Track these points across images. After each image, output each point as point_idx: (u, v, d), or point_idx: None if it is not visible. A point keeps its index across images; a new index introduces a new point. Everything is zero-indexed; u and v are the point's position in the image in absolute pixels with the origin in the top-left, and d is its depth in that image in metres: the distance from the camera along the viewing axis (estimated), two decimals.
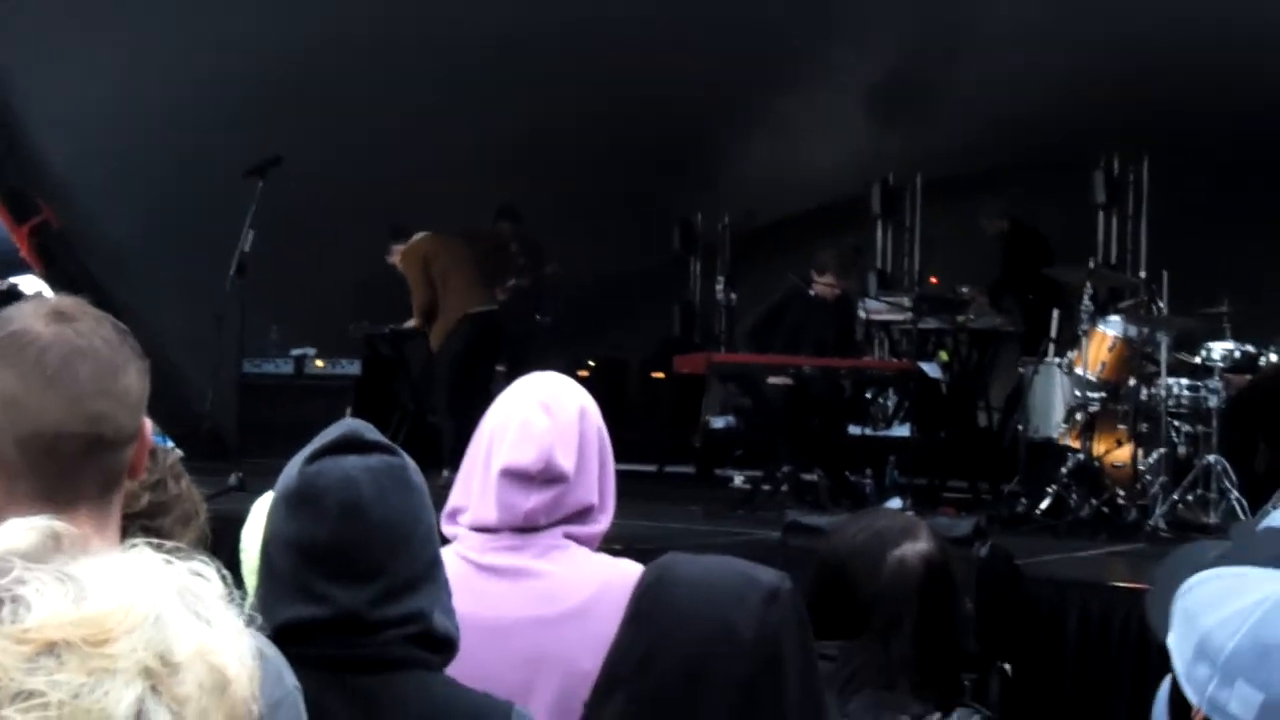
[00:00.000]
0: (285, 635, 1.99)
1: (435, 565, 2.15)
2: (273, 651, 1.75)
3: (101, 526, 1.75)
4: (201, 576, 1.10)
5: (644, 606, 2.11)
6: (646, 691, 2.05)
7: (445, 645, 2.14)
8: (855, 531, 2.70)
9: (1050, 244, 10.37)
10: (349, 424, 2.16)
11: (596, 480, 2.75)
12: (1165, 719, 1.78)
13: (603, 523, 2.77)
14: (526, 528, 2.70)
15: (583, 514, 2.74)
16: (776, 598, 2.08)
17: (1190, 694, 1.59)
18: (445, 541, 2.76)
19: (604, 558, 2.77)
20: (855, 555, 2.64)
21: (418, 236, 10.15)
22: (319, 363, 11.40)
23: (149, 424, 1.81)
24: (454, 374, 9.91)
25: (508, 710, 2.17)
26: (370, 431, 2.16)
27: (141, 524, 2.00)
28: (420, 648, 2.10)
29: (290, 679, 1.76)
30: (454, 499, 2.79)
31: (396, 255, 10.21)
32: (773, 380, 9.09)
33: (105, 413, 1.73)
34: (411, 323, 10.29)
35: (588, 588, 2.68)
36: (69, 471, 1.72)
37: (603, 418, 2.82)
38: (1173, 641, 1.63)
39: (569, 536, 2.72)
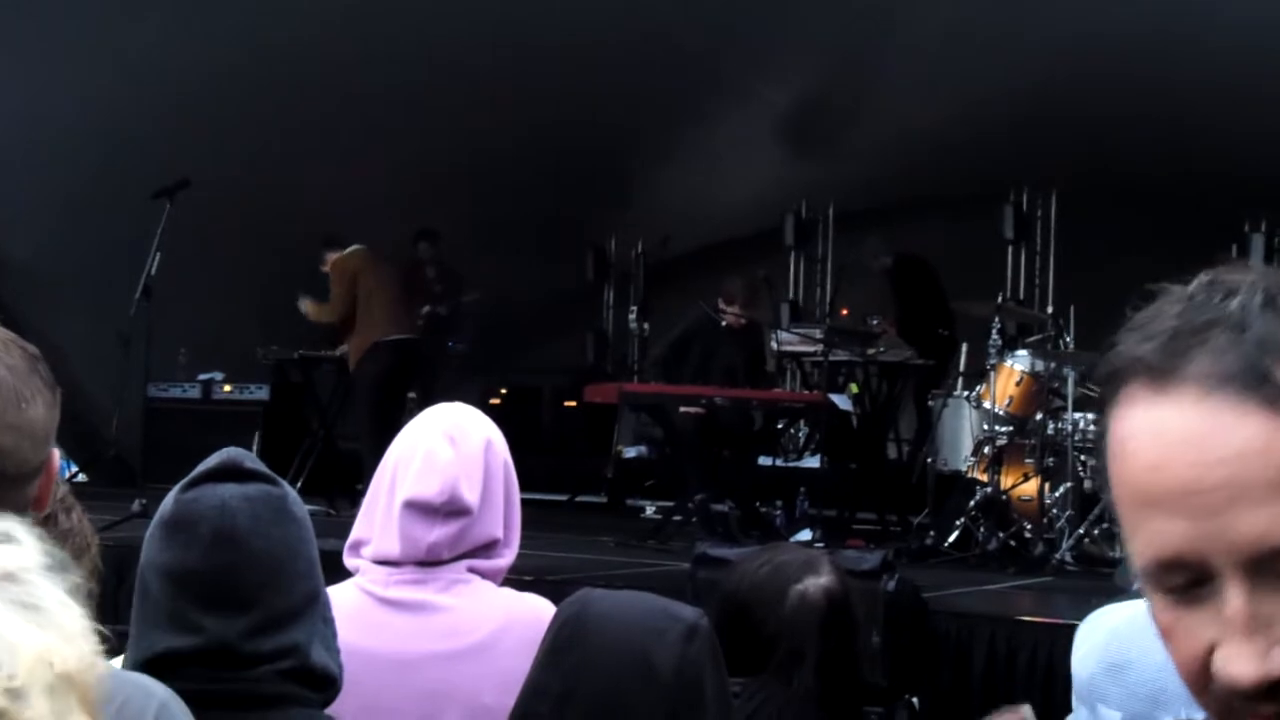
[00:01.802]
0: (156, 666, 1.94)
1: (315, 599, 2.10)
2: (178, 706, 1.70)
3: None
4: (12, 540, 1.03)
5: (561, 642, 2.09)
6: None
7: (326, 683, 2.08)
8: (757, 567, 2.68)
9: (939, 274, 10.44)
10: (228, 452, 2.12)
11: (502, 513, 2.70)
12: None
13: (507, 557, 2.73)
14: (429, 561, 2.66)
15: (487, 548, 2.69)
16: (696, 633, 2.08)
17: None
18: (347, 573, 2.72)
19: (508, 592, 2.73)
20: (757, 590, 2.63)
21: (351, 249, 10.00)
22: (227, 387, 11.26)
23: (57, 455, 1.74)
24: (373, 399, 9.81)
25: None
26: (250, 460, 2.12)
27: None
28: (297, 684, 2.05)
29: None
30: (356, 531, 2.75)
31: (329, 263, 10.08)
32: (684, 410, 9.09)
33: (6, 447, 1.65)
34: (345, 348, 10.15)
35: (491, 622, 2.64)
36: None
37: (514, 446, 2.78)
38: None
39: (473, 570, 2.68)
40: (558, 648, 2.09)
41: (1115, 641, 1.53)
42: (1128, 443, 0.96)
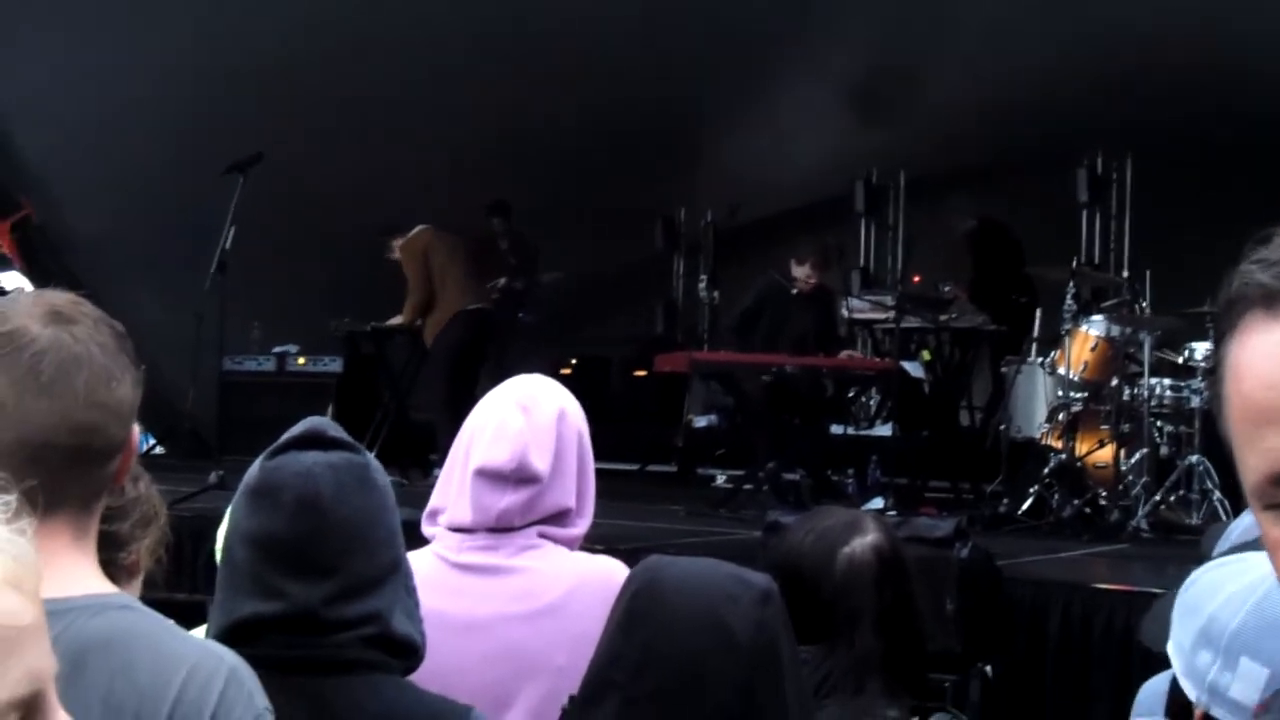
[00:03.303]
0: (241, 632, 1.96)
1: (396, 567, 2.12)
2: (247, 672, 1.72)
3: (79, 536, 1.71)
4: None
5: (636, 609, 2.09)
6: (643, 695, 2.03)
7: (407, 650, 2.10)
8: (802, 536, 2.67)
9: (1020, 240, 10.35)
10: (312, 421, 2.14)
11: (575, 483, 2.72)
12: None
13: (580, 526, 2.74)
14: (501, 528, 2.68)
15: (559, 517, 2.70)
16: (770, 598, 2.08)
17: (1190, 688, 1.55)
18: (425, 542, 2.74)
19: (580, 554, 2.74)
20: (804, 559, 2.61)
21: (417, 229, 10.05)
22: (300, 360, 11.35)
23: (137, 431, 1.76)
24: (449, 370, 9.86)
25: (465, 713, 2.14)
26: (333, 429, 2.14)
27: (100, 529, 1.98)
28: (379, 650, 2.07)
29: (261, 700, 1.72)
30: (434, 500, 2.78)
31: (396, 249, 10.13)
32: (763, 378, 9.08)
33: (96, 424, 1.67)
34: (396, 319, 10.24)
35: (563, 583, 2.65)
36: (52, 481, 1.65)
37: (585, 415, 2.79)
38: (1172, 641, 1.60)
39: (543, 536, 2.70)
40: (632, 615, 2.08)
41: (1277, 593, 1.47)
42: (1245, 363, 1.01)
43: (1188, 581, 1.64)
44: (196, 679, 1.66)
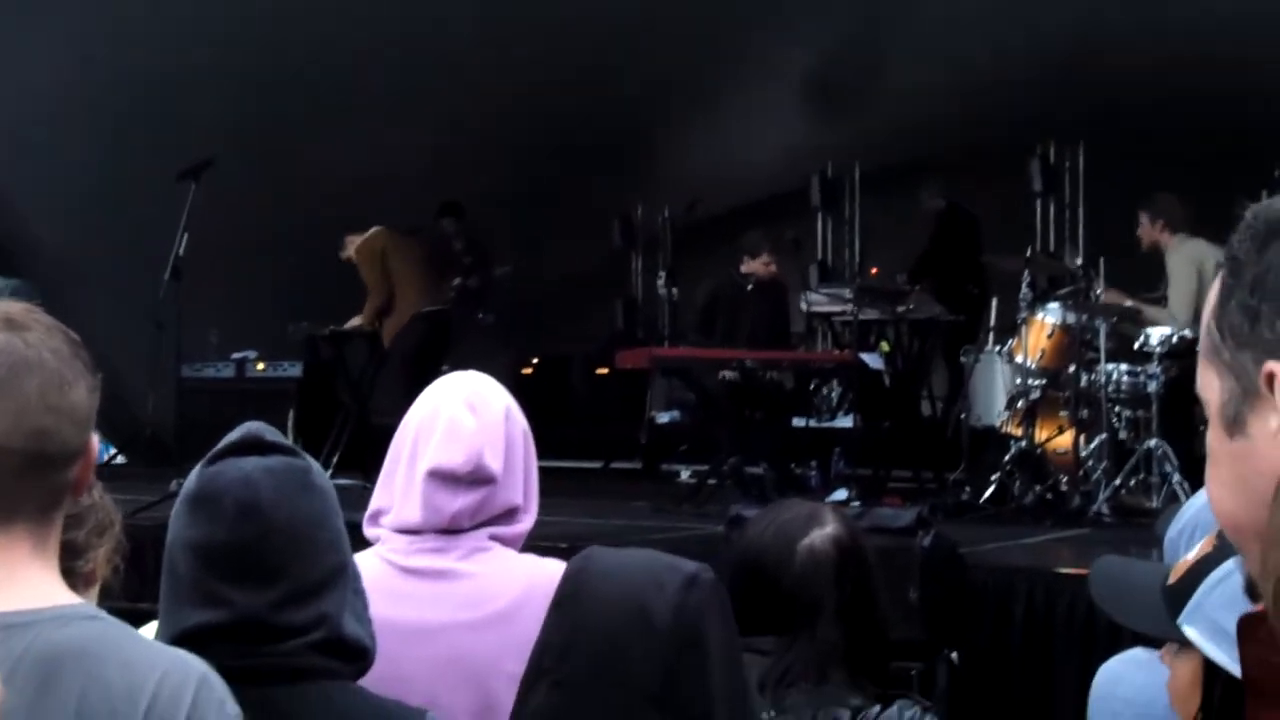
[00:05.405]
0: (187, 642, 1.94)
1: (343, 570, 2.10)
2: (217, 679, 1.72)
3: (39, 546, 1.71)
4: None
5: (564, 596, 2.13)
6: (567, 679, 2.07)
7: (357, 654, 2.08)
8: (761, 530, 2.67)
9: (982, 230, 10.44)
10: (250, 426, 2.12)
11: (521, 480, 2.71)
12: (1115, 699, 1.71)
13: (526, 522, 2.73)
14: (451, 529, 2.66)
15: (507, 515, 2.70)
16: (695, 583, 2.09)
17: None
18: (367, 544, 2.72)
19: (529, 558, 2.72)
20: (765, 552, 2.62)
21: (372, 230, 10.06)
22: (260, 365, 11.30)
23: (95, 440, 1.76)
24: (408, 373, 9.85)
25: (420, 717, 2.13)
26: (271, 433, 2.12)
27: None
28: (328, 656, 2.05)
29: (232, 708, 1.73)
30: (376, 500, 2.75)
31: (350, 248, 10.12)
32: (723, 374, 9.11)
33: (50, 428, 1.67)
34: (355, 321, 10.21)
35: (513, 590, 2.64)
36: (6, 488, 1.66)
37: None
38: (1210, 627, 1.51)
39: (494, 538, 2.68)
40: (560, 602, 2.13)
41: None
42: None
43: (1230, 565, 1.56)
44: (168, 686, 1.67)
